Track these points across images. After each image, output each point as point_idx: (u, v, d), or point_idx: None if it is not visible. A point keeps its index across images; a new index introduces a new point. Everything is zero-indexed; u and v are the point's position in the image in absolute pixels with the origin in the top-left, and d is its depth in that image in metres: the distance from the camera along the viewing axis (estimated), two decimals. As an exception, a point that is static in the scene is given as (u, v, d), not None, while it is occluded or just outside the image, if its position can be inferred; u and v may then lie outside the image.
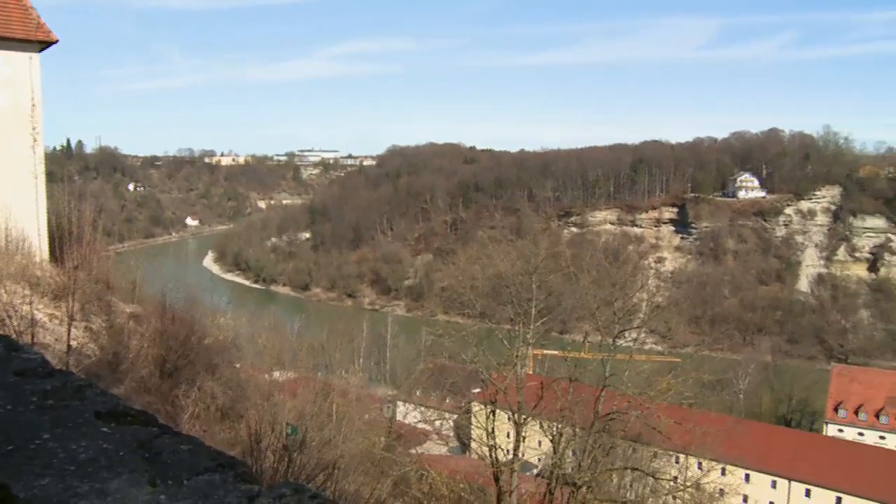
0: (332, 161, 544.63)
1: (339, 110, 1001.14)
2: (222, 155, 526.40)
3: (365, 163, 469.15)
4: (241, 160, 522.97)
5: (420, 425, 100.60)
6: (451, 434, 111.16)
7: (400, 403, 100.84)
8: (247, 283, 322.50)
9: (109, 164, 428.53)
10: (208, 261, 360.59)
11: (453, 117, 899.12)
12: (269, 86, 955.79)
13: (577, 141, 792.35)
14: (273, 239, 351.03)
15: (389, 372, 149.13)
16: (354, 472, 35.91)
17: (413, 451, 67.08)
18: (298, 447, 24.82)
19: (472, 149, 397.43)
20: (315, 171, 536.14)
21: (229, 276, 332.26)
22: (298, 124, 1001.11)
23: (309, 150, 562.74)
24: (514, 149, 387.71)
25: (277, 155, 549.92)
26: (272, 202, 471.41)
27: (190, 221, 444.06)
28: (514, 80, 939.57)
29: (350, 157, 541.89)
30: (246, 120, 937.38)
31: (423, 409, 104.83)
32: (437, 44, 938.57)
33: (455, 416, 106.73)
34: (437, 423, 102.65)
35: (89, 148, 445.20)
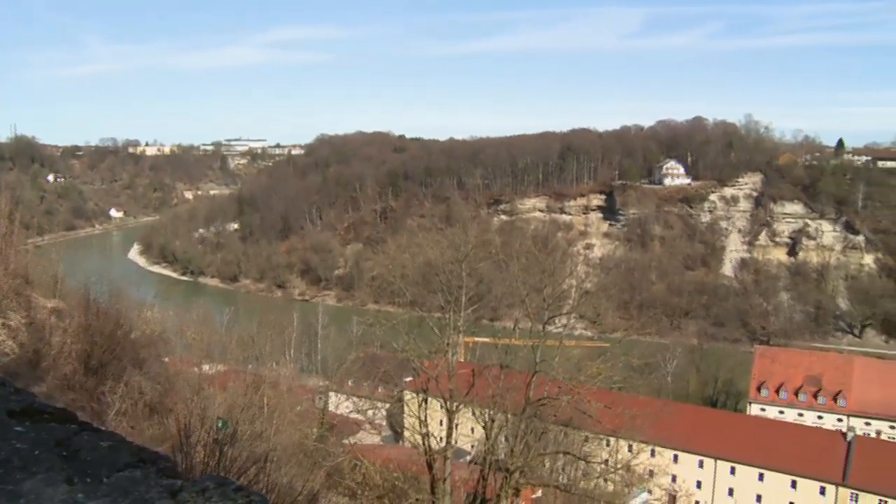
0: (259, 151, 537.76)
1: (267, 99, 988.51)
2: (147, 145, 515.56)
3: (293, 152, 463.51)
4: (167, 150, 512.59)
5: (352, 415, 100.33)
6: (384, 423, 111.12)
7: (332, 394, 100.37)
8: (174, 275, 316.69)
9: (26, 154, 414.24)
10: (134, 253, 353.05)
11: (382, 106, 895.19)
12: (195, 74, 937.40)
13: (506, 129, 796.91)
14: (200, 230, 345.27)
15: (321, 362, 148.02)
16: (287, 465, 35.63)
17: (346, 441, 66.95)
18: (229, 441, 24.52)
19: (402, 137, 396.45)
20: (243, 161, 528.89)
21: (156, 269, 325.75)
22: (225, 113, 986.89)
23: (236, 140, 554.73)
24: (443, 137, 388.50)
25: (204, 145, 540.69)
26: (199, 193, 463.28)
27: (114, 213, 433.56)
28: (444, 68, 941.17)
29: (278, 146, 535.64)
30: (171, 109, 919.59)
31: (355, 399, 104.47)
32: (366, 32, 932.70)
33: (387, 406, 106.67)
34: (370, 412, 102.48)
35: (2, 137, 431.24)
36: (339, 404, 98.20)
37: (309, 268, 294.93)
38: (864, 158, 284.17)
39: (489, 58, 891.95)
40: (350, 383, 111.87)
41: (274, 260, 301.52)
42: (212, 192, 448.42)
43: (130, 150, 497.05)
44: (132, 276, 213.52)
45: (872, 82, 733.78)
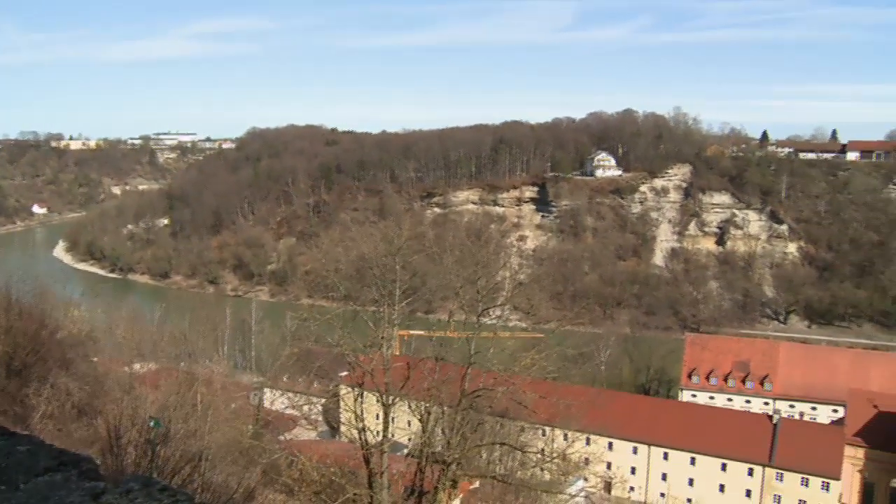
0: (189, 145, 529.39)
1: (196, 92, 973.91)
2: (71, 139, 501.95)
3: (224, 146, 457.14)
4: (92, 144, 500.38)
5: (288, 411, 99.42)
6: (320, 419, 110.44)
7: (267, 390, 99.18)
8: (102, 272, 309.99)
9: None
10: (59, 250, 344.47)
11: (314, 99, 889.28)
12: (121, 65, 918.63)
13: (438, 121, 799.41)
14: (129, 226, 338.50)
15: (255, 359, 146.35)
16: (222, 462, 35.26)
17: (282, 437, 66.47)
18: (162, 440, 24.14)
19: (334, 130, 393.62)
20: (172, 156, 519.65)
21: (83, 266, 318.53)
22: (154, 107, 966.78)
23: (165, 134, 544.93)
24: (375, 130, 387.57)
25: (132, 138, 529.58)
26: (127, 188, 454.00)
27: (37, 209, 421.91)
28: (376, 60, 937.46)
29: (208, 140, 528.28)
30: (96, 101, 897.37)
31: (290, 394, 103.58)
32: (297, 23, 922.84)
33: (323, 401, 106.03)
34: (306, 408, 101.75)
35: None
36: (275, 400, 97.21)
37: (241, 263, 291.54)
38: (786, 150, 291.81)
39: (422, 50, 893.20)
40: (285, 379, 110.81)
41: (205, 255, 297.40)
42: (140, 188, 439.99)
43: (53, 144, 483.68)
44: (57, 275, 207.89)
45: (794, 77, 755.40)
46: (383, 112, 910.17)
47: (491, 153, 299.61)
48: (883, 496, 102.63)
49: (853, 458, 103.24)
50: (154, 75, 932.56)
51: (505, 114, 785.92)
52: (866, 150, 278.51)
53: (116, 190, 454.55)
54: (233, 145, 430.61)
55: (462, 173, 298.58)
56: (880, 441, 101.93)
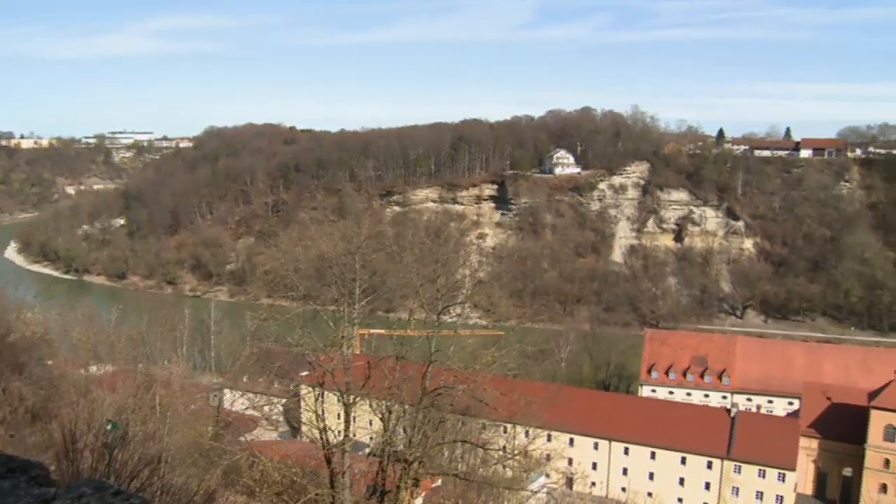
0: (146, 143, 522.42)
1: (153, 90, 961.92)
2: (22, 137, 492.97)
3: (181, 145, 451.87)
4: (45, 143, 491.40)
5: (248, 412, 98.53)
6: (281, 419, 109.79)
7: (227, 391, 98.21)
8: (56, 274, 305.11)
9: None
10: (11, 252, 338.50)
11: (272, 97, 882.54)
12: (75, 62, 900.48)
13: (397, 120, 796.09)
14: (84, 226, 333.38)
15: (214, 359, 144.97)
16: (182, 465, 34.86)
17: (243, 438, 65.85)
18: (120, 444, 23.82)
19: (292, 129, 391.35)
20: (128, 155, 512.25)
21: (36, 268, 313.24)
22: (109, 105, 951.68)
23: (121, 133, 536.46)
24: (334, 129, 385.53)
25: (86, 137, 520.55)
26: (82, 188, 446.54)
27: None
28: (334, 58, 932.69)
29: (165, 139, 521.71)
30: (49, 99, 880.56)
31: (250, 395, 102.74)
32: (254, 21, 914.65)
33: (284, 401, 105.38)
34: (266, 408, 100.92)
35: None
36: (235, 401, 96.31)
37: (200, 263, 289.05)
38: (742, 148, 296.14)
39: (381, 48, 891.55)
40: (245, 380, 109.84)
41: (163, 256, 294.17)
42: (95, 187, 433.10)
43: (3, 142, 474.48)
44: (9, 276, 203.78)
45: (749, 75, 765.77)
46: (342, 110, 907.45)
47: (450, 151, 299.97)
48: (835, 485, 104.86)
49: (808, 449, 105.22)
50: (109, 73, 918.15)
51: (464, 112, 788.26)
52: (818, 147, 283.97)
53: (71, 190, 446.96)
54: (190, 144, 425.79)
55: (421, 172, 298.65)
56: (833, 432, 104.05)
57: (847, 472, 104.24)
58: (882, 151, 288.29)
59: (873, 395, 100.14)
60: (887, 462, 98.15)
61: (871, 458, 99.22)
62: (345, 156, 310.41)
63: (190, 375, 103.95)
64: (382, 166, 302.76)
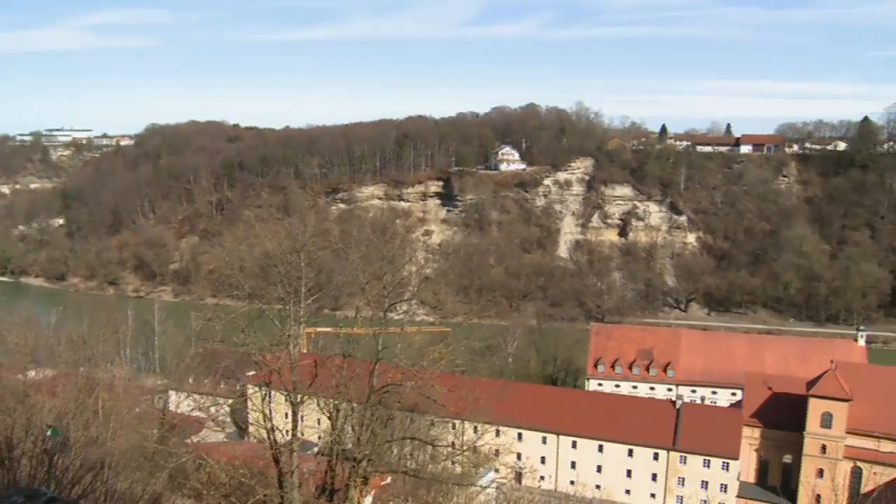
0: (85, 141, 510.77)
1: (91, 86, 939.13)
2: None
3: (122, 143, 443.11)
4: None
5: (195, 413, 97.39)
6: (228, 420, 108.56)
7: (172, 393, 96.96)
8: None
9: None
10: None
11: (215, 94, 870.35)
12: (8, 57, 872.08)
13: (342, 117, 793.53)
14: (21, 227, 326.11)
15: (159, 361, 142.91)
16: (126, 469, 34.36)
17: (189, 440, 65.04)
18: (60, 449, 23.36)
19: (236, 126, 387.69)
20: (66, 153, 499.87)
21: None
22: (45, 102, 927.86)
23: (58, 130, 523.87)
24: (278, 126, 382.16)
25: (21, 135, 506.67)
26: (17, 187, 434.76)
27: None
28: (279, 55, 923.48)
29: (105, 136, 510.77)
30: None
31: (196, 396, 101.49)
32: (196, 16, 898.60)
33: (230, 401, 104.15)
34: (213, 409, 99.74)
35: None
36: (180, 403, 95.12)
37: (143, 263, 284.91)
38: (684, 143, 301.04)
39: (325, 44, 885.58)
40: (191, 381, 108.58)
41: (104, 256, 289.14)
42: (32, 186, 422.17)
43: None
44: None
45: (691, 72, 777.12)
46: (286, 108, 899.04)
47: (395, 148, 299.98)
48: (776, 471, 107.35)
49: (750, 438, 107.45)
50: (45, 68, 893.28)
51: (409, 109, 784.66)
52: (758, 143, 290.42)
53: (5, 189, 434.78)
54: (131, 142, 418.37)
55: (366, 169, 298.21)
56: (774, 420, 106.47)
57: (787, 458, 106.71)
58: (817, 147, 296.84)
59: (811, 384, 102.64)
60: (824, 448, 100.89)
61: (809, 445, 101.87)
62: (289, 153, 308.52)
63: (134, 378, 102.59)
64: (327, 164, 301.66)
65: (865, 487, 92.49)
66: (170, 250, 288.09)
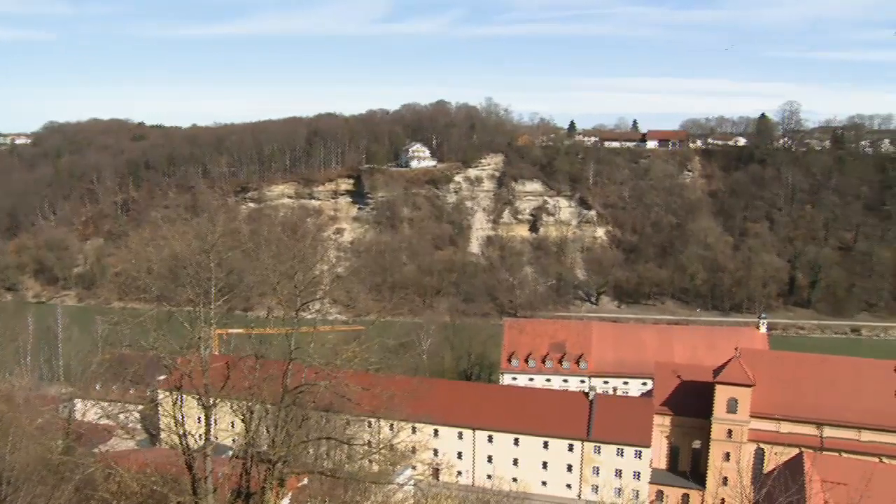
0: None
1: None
2: None
3: (18, 142, 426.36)
4: None
5: (103, 421, 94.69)
6: (138, 427, 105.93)
7: (78, 401, 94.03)
8: None
9: None
10: None
11: (118, 91, 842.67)
12: None
13: (251, 115, 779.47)
14: None
15: (63, 368, 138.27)
16: (28, 483, 33.17)
17: (97, 450, 63.18)
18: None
19: (141, 125, 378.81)
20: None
21: None
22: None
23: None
24: (185, 124, 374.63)
25: None
26: None
27: None
28: (186, 51, 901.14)
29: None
30: None
31: (104, 404, 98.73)
32: (97, 10, 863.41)
33: (140, 407, 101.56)
34: (122, 416, 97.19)
35: None
36: (87, 412, 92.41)
37: (44, 267, 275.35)
38: (593, 139, 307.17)
39: (233, 41, 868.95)
40: (98, 388, 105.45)
41: (1, 261, 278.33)
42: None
43: None
44: None
45: (599, 70, 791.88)
46: (193, 106, 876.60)
47: (305, 146, 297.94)
48: (687, 457, 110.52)
49: (661, 426, 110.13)
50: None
51: (319, 106, 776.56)
52: (663, 139, 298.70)
53: None
54: (28, 140, 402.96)
55: (276, 167, 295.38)
56: (683, 408, 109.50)
57: (696, 444, 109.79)
58: (719, 143, 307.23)
59: (717, 371, 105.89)
60: (730, 432, 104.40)
61: (717, 430, 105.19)
62: (197, 152, 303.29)
63: (36, 387, 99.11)
64: (236, 162, 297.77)
65: (767, 467, 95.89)
66: (73, 253, 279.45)
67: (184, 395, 36.97)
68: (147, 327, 36.87)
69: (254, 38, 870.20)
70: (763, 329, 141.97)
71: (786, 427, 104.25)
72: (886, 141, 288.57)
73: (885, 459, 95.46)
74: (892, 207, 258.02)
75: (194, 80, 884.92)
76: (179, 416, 35.67)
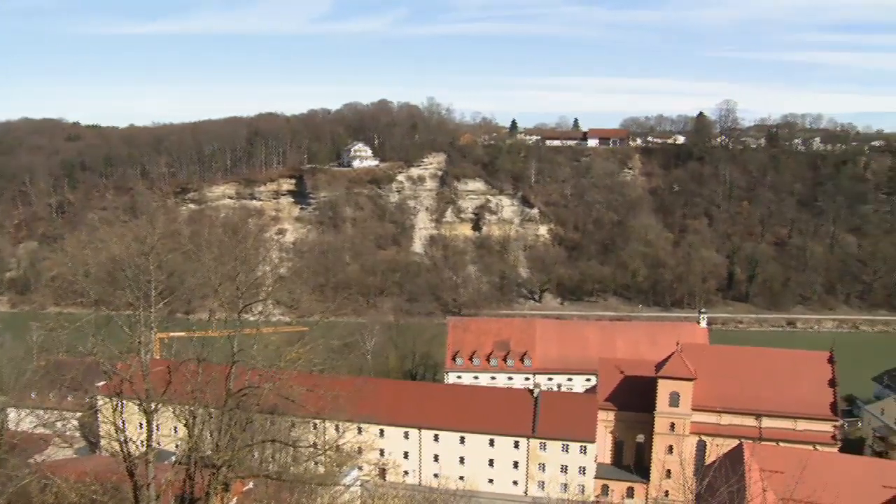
0: None
1: None
2: None
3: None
4: None
5: (38, 430, 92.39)
6: (77, 434, 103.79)
7: (11, 410, 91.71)
8: None
9: None
10: None
11: (51, 91, 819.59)
12: None
13: (190, 114, 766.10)
14: None
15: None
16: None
17: (32, 460, 61.60)
18: None
19: (76, 125, 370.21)
20: None
21: None
22: None
23: None
24: (122, 124, 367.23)
25: None
26: None
27: None
28: (122, 49, 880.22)
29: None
30: None
31: (40, 412, 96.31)
32: (26, 4, 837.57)
33: (79, 415, 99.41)
34: (59, 424, 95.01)
35: None
36: (21, 421, 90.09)
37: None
38: (534, 138, 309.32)
39: (170, 39, 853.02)
40: (33, 396, 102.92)
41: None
42: None
43: None
44: None
45: (540, 69, 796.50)
46: (130, 105, 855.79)
47: (246, 146, 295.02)
48: (631, 451, 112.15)
49: (605, 421, 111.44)
50: None
51: (259, 106, 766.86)
52: (604, 137, 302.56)
53: None
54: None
55: (217, 167, 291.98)
56: (627, 403, 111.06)
57: (640, 438, 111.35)
58: (659, 141, 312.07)
59: (659, 366, 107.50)
60: (672, 425, 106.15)
61: (660, 424, 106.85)
62: (135, 152, 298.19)
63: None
64: (176, 162, 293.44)
65: (709, 458, 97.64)
66: (5, 257, 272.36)
67: (124, 401, 36.38)
68: (85, 332, 36.17)
69: (193, 37, 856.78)
70: (703, 324, 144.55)
71: (726, 419, 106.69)
72: (818, 139, 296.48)
73: (818, 447, 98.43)
74: (823, 203, 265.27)
75: (131, 80, 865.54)
76: (120, 423, 35.12)
